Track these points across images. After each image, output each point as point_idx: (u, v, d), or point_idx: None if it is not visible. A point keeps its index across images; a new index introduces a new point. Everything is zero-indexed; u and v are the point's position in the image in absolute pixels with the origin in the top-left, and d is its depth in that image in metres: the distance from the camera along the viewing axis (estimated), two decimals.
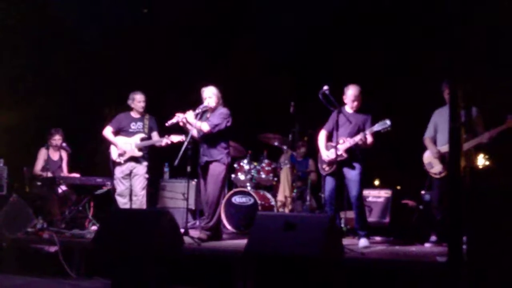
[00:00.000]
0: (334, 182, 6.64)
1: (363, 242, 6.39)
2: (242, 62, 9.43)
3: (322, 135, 6.89)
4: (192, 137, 6.78)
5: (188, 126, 6.75)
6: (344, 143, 6.49)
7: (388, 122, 6.30)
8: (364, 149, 6.58)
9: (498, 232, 4.14)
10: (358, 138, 6.45)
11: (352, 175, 6.56)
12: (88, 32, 9.20)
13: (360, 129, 6.56)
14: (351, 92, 6.63)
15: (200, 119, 6.80)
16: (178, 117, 6.78)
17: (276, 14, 9.19)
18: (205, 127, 6.68)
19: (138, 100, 7.69)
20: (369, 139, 6.47)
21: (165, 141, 7.35)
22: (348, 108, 6.71)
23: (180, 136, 7.14)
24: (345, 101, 6.71)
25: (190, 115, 6.71)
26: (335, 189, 6.62)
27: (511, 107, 6.39)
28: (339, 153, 6.45)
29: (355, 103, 6.64)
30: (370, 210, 7.85)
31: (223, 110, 6.82)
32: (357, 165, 6.57)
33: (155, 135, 7.65)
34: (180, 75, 9.61)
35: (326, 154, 6.70)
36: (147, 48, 9.59)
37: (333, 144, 6.58)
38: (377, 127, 6.37)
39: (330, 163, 6.65)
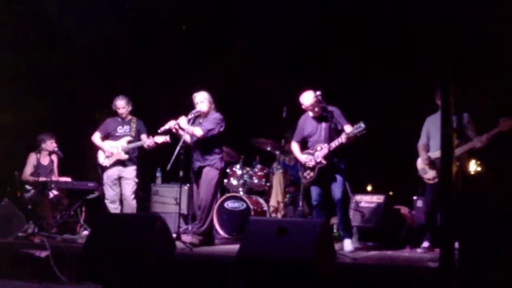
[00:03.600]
0: (318, 189, 6.57)
1: (347, 244, 6.39)
2: (234, 66, 9.43)
3: (294, 146, 6.82)
4: (185, 142, 6.77)
5: (180, 131, 6.74)
6: (322, 150, 6.43)
7: (362, 125, 6.12)
8: (351, 147, 6.51)
9: (489, 238, 4.15)
10: (335, 145, 6.28)
11: (334, 181, 6.46)
12: (80, 35, 9.18)
13: (333, 130, 6.36)
14: (307, 101, 6.46)
15: (193, 124, 6.79)
16: (171, 124, 6.77)
17: (269, 18, 9.20)
18: (198, 132, 6.67)
19: (117, 107, 7.67)
20: (344, 140, 6.26)
21: (149, 141, 7.31)
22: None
23: (164, 137, 7.10)
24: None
25: (182, 121, 6.70)
26: (321, 195, 6.56)
27: (503, 111, 6.41)
28: (318, 160, 6.44)
29: (316, 109, 6.48)
30: (363, 215, 7.84)
31: (216, 115, 6.82)
32: (338, 171, 6.47)
33: (144, 137, 7.60)
34: (172, 80, 9.60)
35: (306, 157, 6.59)
36: (139, 52, 9.58)
37: (311, 151, 6.57)
38: (352, 131, 6.20)
39: (311, 168, 6.58)
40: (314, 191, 6.61)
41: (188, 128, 6.65)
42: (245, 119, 9.37)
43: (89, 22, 9.07)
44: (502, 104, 7.29)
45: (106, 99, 8.75)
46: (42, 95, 9.28)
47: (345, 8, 8.95)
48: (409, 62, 8.58)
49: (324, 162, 6.42)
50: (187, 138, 6.82)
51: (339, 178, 6.46)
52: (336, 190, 6.46)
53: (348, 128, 6.31)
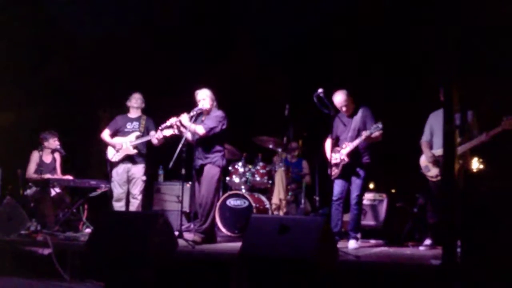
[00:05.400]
0: (342, 185, 6.70)
1: (352, 243, 6.48)
2: (236, 64, 9.42)
3: (327, 143, 6.90)
4: (187, 140, 6.76)
5: (182, 129, 6.74)
6: (346, 148, 6.58)
7: (380, 125, 6.33)
8: (374, 146, 6.62)
9: (492, 235, 4.14)
10: (356, 143, 6.51)
11: (355, 177, 6.63)
12: (83, 34, 9.19)
13: (361, 130, 6.59)
14: (337, 100, 6.65)
15: (195, 121, 6.79)
16: (172, 121, 6.78)
17: (271, 15, 9.19)
18: (201, 130, 6.67)
19: (134, 97, 7.77)
20: (363, 139, 6.45)
21: (157, 135, 7.33)
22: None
23: (172, 130, 7.10)
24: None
25: (184, 118, 6.70)
26: (343, 192, 6.70)
27: (506, 109, 6.40)
28: (342, 157, 6.58)
29: (344, 109, 6.68)
30: (365, 213, 7.85)
31: (219, 113, 6.81)
32: (361, 170, 6.63)
33: (152, 133, 7.63)
34: (175, 78, 9.60)
35: (333, 155, 6.69)
36: (142, 50, 9.58)
37: (338, 149, 6.70)
38: (370, 130, 6.38)
39: (337, 165, 6.67)
40: (337, 186, 6.73)
41: (190, 126, 6.65)
42: (248, 117, 9.37)
43: (92, 21, 9.08)
44: (506, 102, 7.27)
45: (110, 97, 8.77)
46: (46, 94, 9.29)
47: (347, 8, 8.93)
48: (411, 60, 8.56)
49: (347, 159, 6.58)
50: (188, 136, 6.81)
51: (360, 177, 6.62)
52: (355, 188, 6.63)
53: (368, 129, 6.41)
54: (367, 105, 6.75)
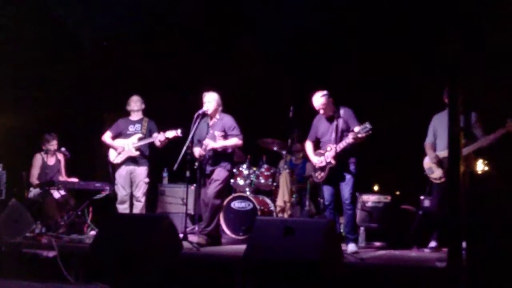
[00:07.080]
0: (331, 189, 6.61)
1: (351, 246, 6.37)
2: (240, 66, 9.43)
3: (308, 146, 6.84)
4: (191, 142, 6.78)
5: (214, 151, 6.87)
6: (331, 150, 6.43)
7: (368, 125, 6.13)
8: (359, 147, 6.51)
9: (497, 238, 4.13)
10: (343, 145, 6.36)
11: (344, 179, 6.49)
12: (87, 36, 9.20)
13: (344, 131, 6.47)
14: (317, 102, 6.51)
15: (199, 123, 6.82)
16: (201, 153, 6.90)
17: (275, 17, 9.19)
18: (238, 142, 6.90)
19: (133, 100, 7.80)
20: (351, 140, 6.31)
21: (160, 137, 7.35)
22: None
23: (175, 131, 7.14)
24: None
25: (210, 143, 6.80)
26: (333, 195, 6.60)
27: (510, 110, 6.38)
28: (328, 160, 6.46)
29: (322, 111, 6.54)
30: (370, 216, 7.83)
31: (229, 118, 6.89)
32: (348, 171, 6.49)
33: (155, 135, 7.64)
34: (179, 80, 9.60)
35: (317, 159, 6.62)
36: (147, 52, 9.59)
37: (322, 151, 6.58)
38: (359, 131, 6.20)
39: (322, 169, 6.62)
40: (326, 191, 6.64)
41: (223, 144, 6.82)
42: (252, 119, 9.35)
43: (95, 22, 9.10)
44: (510, 104, 7.25)
45: (114, 100, 8.78)
46: (51, 97, 9.30)
47: (352, 8, 8.92)
48: (415, 62, 8.54)
49: (333, 162, 6.42)
50: (196, 152, 6.90)
51: (348, 178, 6.48)
52: (345, 190, 6.48)
53: (356, 129, 6.32)
54: (348, 106, 6.61)
